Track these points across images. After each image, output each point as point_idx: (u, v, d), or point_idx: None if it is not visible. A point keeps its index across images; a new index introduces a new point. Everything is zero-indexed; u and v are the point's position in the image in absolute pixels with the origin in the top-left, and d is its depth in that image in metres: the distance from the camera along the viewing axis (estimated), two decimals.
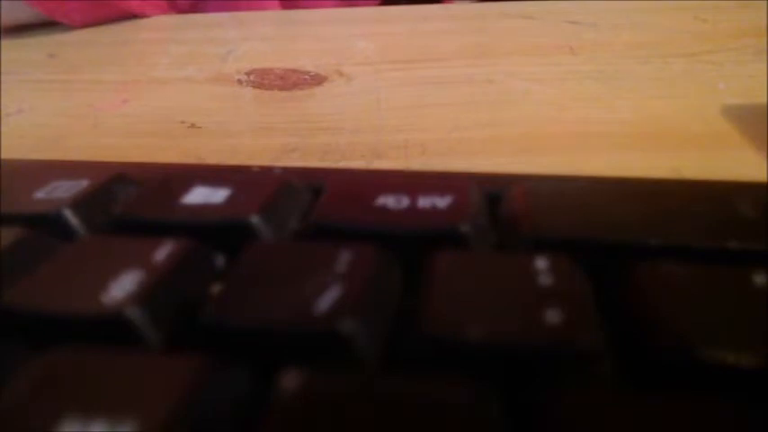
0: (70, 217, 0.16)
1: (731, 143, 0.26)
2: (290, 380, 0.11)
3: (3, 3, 0.46)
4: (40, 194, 0.17)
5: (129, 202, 0.17)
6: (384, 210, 0.15)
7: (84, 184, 0.18)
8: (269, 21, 0.47)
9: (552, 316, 0.12)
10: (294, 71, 0.36)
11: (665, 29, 0.42)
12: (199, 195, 0.17)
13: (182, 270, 0.14)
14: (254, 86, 0.34)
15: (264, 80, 0.35)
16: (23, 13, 0.47)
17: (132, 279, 0.13)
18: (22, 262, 0.14)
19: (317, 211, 0.16)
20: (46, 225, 0.16)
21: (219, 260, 0.15)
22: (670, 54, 0.37)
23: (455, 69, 0.37)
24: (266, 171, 0.18)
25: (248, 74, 0.36)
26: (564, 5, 0.48)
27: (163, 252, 0.14)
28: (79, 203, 0.17)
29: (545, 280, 0.13)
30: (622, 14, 0.45)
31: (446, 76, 0.36)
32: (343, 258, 0.13)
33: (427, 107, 0.31)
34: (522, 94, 0.33)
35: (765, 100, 0.29)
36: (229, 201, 0.16)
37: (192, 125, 0.30)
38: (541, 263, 0.13)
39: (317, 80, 0.35)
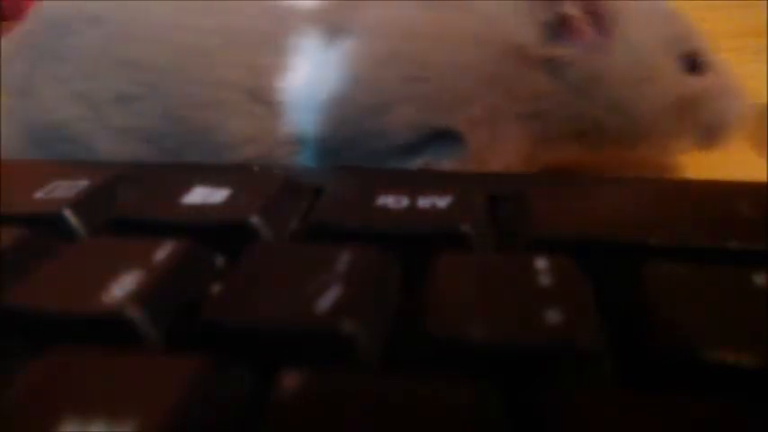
0: (70, 217, 0.16)
1: (731, 143, 0.26)
2: (290, 380, 0.11)
3: None
4: (40, 194, 0.17)
5: (129, 202, 0.17)
6: (384, 210, 0.15)
7: (84, 184, 0.18)
8: None
9: (552, 316, 0.12)
10: None
11: None
12: (199, 195, 0.17)
13: (182, 270, 0.14)
14: None
15: None
16: None
17: (132, 279, 0.13)
18: (22, 262, 0.14)
19: (317, 211, 0.16)
20: (46, 225, 0.16)
21: (219, 260, 0.15)
22: None
23: None
24: (266, 171, 0.18)
25: None
26: None
27: (163, 252, 0.14)
28: (79, 203, 0.17)
29: (545, 280, 0.13)
30: None
31: None
32: (344, 258, 0.13)
33: None
34: None
35: (765, 100, 0.29)
36: (229, 201, 0.16)
37: None
38: (542, 263, 0.13)
39: None
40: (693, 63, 0.22)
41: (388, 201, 0.16)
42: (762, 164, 0.25)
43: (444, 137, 0.20)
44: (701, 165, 0.24)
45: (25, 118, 0.23)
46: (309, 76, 0.21)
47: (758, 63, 0.34)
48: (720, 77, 0.23)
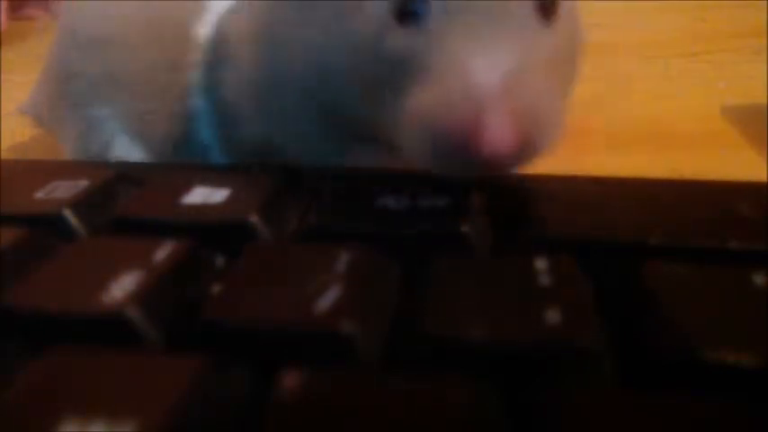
0: (70, 217, 0.16)
1: (731, 143, 0.26)
2: (290, 380, 0.11)
3: None
4: (40, 194, 0.17)
5: (129, 202, 0.17)
6: (384, 210, 0.15)
7: (84, 184, 0.18)
8: None
9: (552, 316, 0.12)
10: None
11: (665, 29, 0.42)
12: (199, 195, 0.17)
13: (182, 270, 0.14)
14: None
15: None
16: None
17: (132, 279, 0.13)
18: (22, 262, 0.14)
19: (317, 210, 0.16)
20: (46, 225, 0.16)
21: (219, 260, 0.15)
22: (670, 54, 0.37)
23: None
24: (266, 171, 0.18)
25: None
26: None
27: (163, 252, 0.14)
28: (79, 203, 0.17)
29: (545, 280, 0.13)
30: (623, 15, 0.45)
31: None
32: (343, 258, 0.13)
33: None
34: None
35: (765, 100, 0.29)
36: (229, 201, 0.16)
37: None
38: (541, 263, 0.13)
39: None
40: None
41: (388, 201, 0.16)
42: (761, 164, 0.25)
43: None
44: (700, 165, 0.24)
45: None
46: None
47: (758, 63, 0.34)
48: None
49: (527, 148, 0.14)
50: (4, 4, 0.50)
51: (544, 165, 0.26)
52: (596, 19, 0.44)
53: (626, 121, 0.29)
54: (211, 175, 0.18)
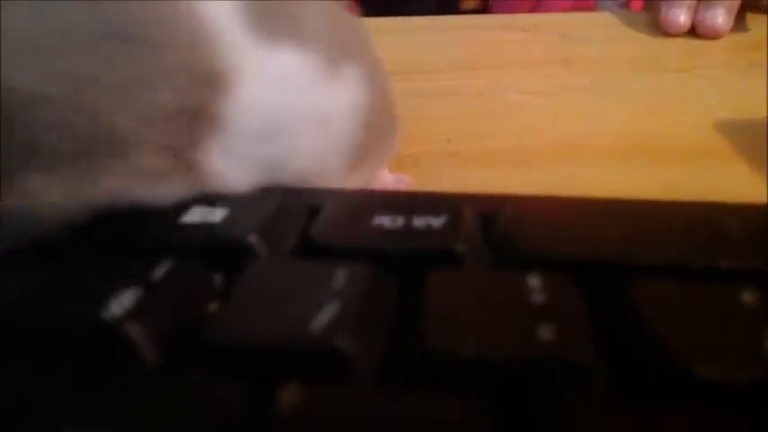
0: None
1: (723, 158, 0.27)
2: (289, 396, 0.11)
3: None
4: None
5: (125, 221, 0.17)
6: (380, 229, 0.16)
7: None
8: None
9: (546, 332, 0.12)
10: None
11: (658, 43, 0.42)
12: (197, 214, 0.17)
13: (180, 288, 0.14)
14: None
15: None
16: None
17: (130, 296, 0.13)
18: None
19: (314, 229, 0.16)
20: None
21: (218, 278, 0.15)
22: (663, 68, 0.37)
23: (448, 82, 0.37)
24: (264, 190, 0.18)
25: None
26: (557, 19, 0.48)
27: (161, 270, 0.14)
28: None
29: (538, 297, 0.13)
30: (615, 28, 0.45)
31: (439, 88, 0.36)
32: (340, 277, 0.14)
33: (420, 119, 0.31)
34: (516, 107, 0.33)
35: (757, 115, 0.30)
36: (227, 220, 0.16)
37: None
38: (534, 281, 0.13)
39: None
40: None
41: (384, 220, 0.16)
42: (752, 178, 0.25)
43: None
44: (692, 179, 0.25)
45: None
46: None
47: (751, 78, 0.35)
48: None
49: None
50: None
51: (537, 177, 0.26)
52: (589, 32, 0.44)
53: (618, 134, 0.29)
54: (210, 194, 0.18)
